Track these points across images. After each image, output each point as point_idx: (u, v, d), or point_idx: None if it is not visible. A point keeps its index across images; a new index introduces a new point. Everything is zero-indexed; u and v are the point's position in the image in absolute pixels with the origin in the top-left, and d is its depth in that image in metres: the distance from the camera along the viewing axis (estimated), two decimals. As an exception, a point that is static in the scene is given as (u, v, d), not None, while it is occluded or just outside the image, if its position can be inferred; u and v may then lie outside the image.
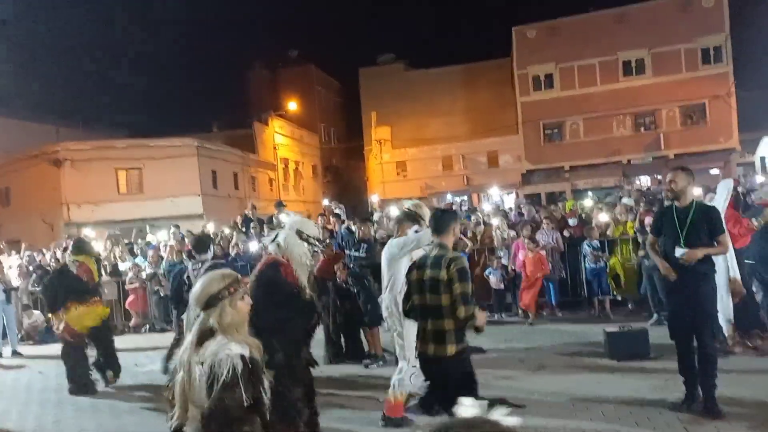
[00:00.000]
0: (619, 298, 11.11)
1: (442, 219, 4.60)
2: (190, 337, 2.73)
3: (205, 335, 2.70)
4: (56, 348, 12.18)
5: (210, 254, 7.27)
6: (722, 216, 5.93)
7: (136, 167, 28.08)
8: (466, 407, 0.89)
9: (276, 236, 4.89)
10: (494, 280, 11.11)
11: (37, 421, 7.16)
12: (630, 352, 7.44)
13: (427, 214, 5.86)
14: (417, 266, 4.51)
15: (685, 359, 5.54)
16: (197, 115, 41.26)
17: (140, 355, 10.23)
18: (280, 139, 38.28)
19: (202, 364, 2.63)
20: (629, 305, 11.02)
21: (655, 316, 9.62)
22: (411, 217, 5.90)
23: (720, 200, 6.93)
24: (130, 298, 13.54)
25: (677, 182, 5.53)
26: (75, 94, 46.61)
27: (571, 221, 12.51)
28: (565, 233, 11.94)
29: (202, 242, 7.61)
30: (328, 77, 47.33)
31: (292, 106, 39.95)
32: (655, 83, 30.89)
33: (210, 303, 2.74)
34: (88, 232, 17.32)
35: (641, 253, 9.96)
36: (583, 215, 13.24)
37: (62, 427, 6.79)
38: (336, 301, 8.64)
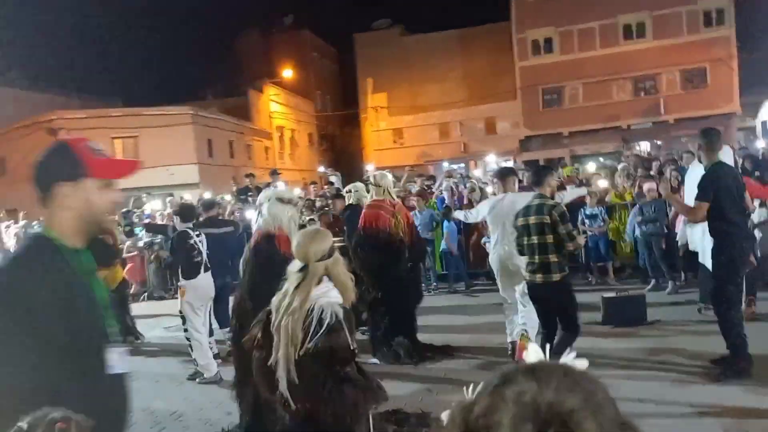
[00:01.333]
0: (618, 264, 11.09)
1: (539, 174, 5.80)
2: (293, 285, 3.03)
3: (310, 284, 3.02)
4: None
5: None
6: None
7: (131, 135, 27.91)
8: (531, 353, 0.88)
9: (259, 212, 4.88)
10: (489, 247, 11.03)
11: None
12: (626, 318, 7.42)
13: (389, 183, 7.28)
14: (521, 215, 5.58)
15: None
16: (192, 83, 40.70)
17: (140, 323, 10.22)
18: (275, 107, 37.93)
19: (307, 309, 2.95)
20: (627, 271, 11.00)
21: (653, 281, 9.61)
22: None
23: None
24: (128, 266, 13.52)
25: (699, 145, 5.66)
26: (70, 63, 46.03)
27: (570, 188, 12.40)
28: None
29: (188, 210, 7.58)
30: (323, 43, 46.68)
31: (287, 73, 39.48)
32: (655, 47, 30.45)
33: (324, 256, 3.09)
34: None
35: (638, 219, 9.91)
36: (584, 181, 13.13)
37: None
38: None
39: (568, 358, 0.86)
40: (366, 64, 38.84)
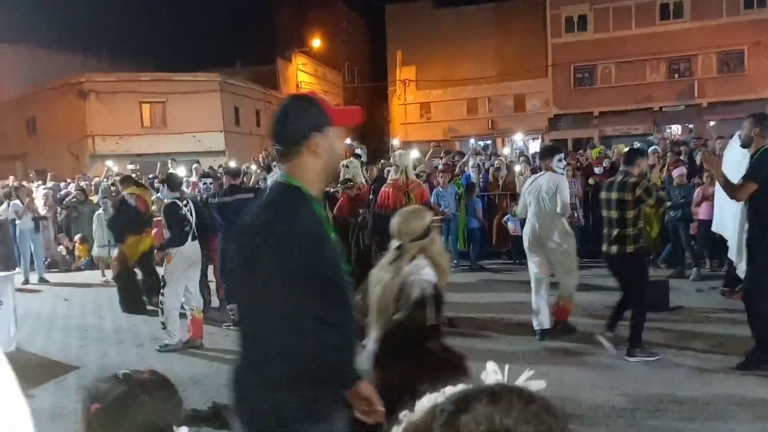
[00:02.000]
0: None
1: (631, 154, 6.21)
2: (388, 261, 3.22)
3: (401, 262, 3.18)
4: (81, 276, 12.53)
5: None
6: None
7: (159, 101, 28.09)
8: (489, 373, 0.82)
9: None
10: (512, 227, 10.99)
11: (62, 346, 7.34)
12: (649, 304, 7.35)
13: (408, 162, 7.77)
14: (604, 189, 6.09)
15: None
16: (221, 50, 40.72)
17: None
18: (303, 76, 37.84)
19: (398, 284, 3.13)
20: (651, 256, 10.87)
21: (694, 269, 9.38)
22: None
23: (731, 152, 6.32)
24: (154, 231, 13.59)
25: (743, 130, 5.41)
26: (101, 26, 46.26)
27: (597, 169, 12.25)
28: (591, 181, 11.71)
29: (173, 180, 7.61)
30: (354, 14, 46.27)
31: (317, 43, 39.29)
32: (692, 28, 29.68)
33: (422, 235, 3.22)
34: (110, 164, 17.44)
35: (668, 204, 9.74)
36: (615, 161, 12.89)
37: (85, 353, 6.97)
38: (358, 241, 8.16)
39: (523, 379, 0.79)
40: (396, 36, 38.45)
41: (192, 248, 7.16)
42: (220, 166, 15.61)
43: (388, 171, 8.96)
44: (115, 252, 9.17)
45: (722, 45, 29.47)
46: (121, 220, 8.95)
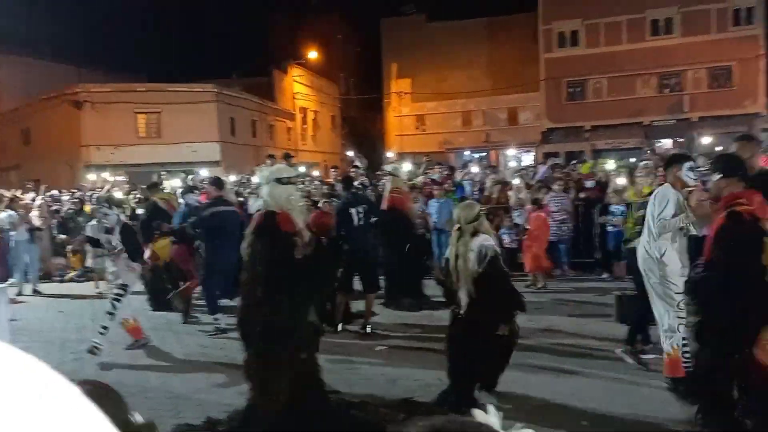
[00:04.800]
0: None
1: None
2: (458, 238, 5.02)
3: (467, 238, 4.95)
4: (74, 287, 12.57)
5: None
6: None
7: (155, 111, 28.18)
8: (482, 413, 0.94)
9: (258, 194, 4.97)
10: (506, 239, 11.15)
11: (58, 358, 7.41)
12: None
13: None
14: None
15: None
16: (217, 61, 40.85)
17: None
18: (299, 88, 38.02)
19: (473, 251, 4.88)
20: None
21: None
22: None
23: None
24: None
25: (741, 154, 5.13)
26: (96, 37, 46.32)
27: (589, 183, 12.43)
28: (582, 195, 11.89)
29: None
30: (349, 26, 46.54)
31: (313, 54, 39.49)
32: (682, 43, 30.08)
33: (476, 218, 5.06)
34: (106, 176, 17.52)
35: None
36: (602, 178, 13.09)
37: (82, 365, 7.03)
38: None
39: (481, 413, 0.91)
40: (391, 49, 38.76)
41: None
42: (202, 181, 15.58)
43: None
44: (147, 253, 9.58)
45: (711, 60, 29.87)
46: (153, 223, 9.26)
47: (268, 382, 4.41)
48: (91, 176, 18.92)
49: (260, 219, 4.69)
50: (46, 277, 13.69)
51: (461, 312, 4.96)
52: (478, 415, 0.90)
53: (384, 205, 9.00)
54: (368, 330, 7.74)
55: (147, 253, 9.59)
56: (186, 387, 6.09)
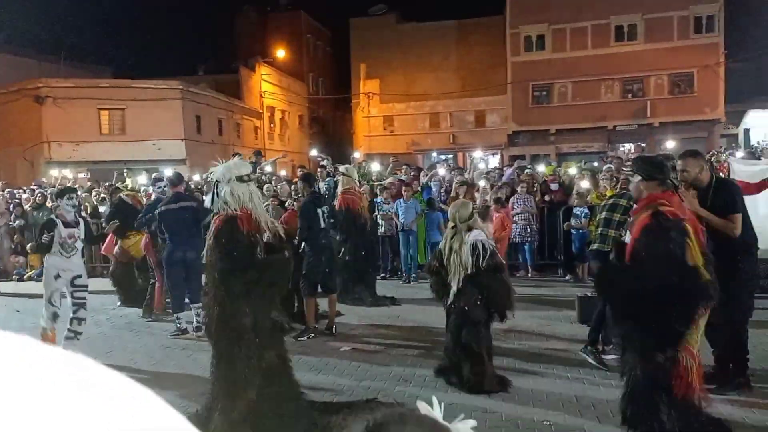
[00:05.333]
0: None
1: None
2: (452, 235, 5.55)
3: (461, 235, 5.46)
4: (33, 286, 12.28)
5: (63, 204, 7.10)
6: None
7: (119, 108, 27.70)
8: (426, 405, 0.97)
9: (215, 195, 4.74)
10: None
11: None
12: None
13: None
14: None
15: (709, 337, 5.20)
16: (183, 57, 40.55)
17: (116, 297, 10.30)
18: (267, 86, 37.77)
19: (467, 244, 5.35)
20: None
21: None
22: None
23: None
24: (107, 242, 12.96)
25: (688, 170, 5.26)
26: (60, 30, 45.38)
27: (553, 186, 12.60)
28: (546, 197, 12.05)
29: (58, 192, 7.59)
30: (318, 25, 46.44)
31: (281, 53, 39.31)
32: (645, 50, 30.71)
33: (470, 217, 5.58)
34: (67, 173, 17.17)
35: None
36: (565, 181, 13.29)
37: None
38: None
39: (425, 405, 0.95)
40: (360, 49, 38.74)
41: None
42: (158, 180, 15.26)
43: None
44: (116, 249, 9.74)
45: (673, 67, 30.55)
46: (121, 218, 9.14)
47: (233, 383, 4.38)
48: (54, 172, 18.49)
49: (220, 224, 4.55)
50: (4, 275, 13.38)
51: (450, 302, 5.51)
52: (422, 407, 0.93)
53: (336, 205, 9.16)
54: (334, 331, 7.73)
55: (116, 250, 9.79)
56: (146, 387, 6.00)
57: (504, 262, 5.81)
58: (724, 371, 5.33)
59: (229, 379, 4.41)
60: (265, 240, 4.74)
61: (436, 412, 0.93)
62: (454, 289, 5.43)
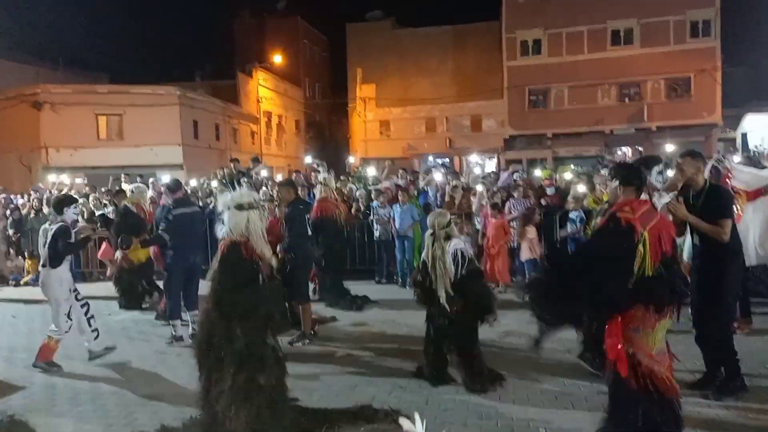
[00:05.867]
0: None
1: None
2: (432, 243, 5.74)
3: (441, 242, 5.69)
4: (29, 292, 12.25)
5: (69, 214, 7.08)
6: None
7: (116, 113, 27.72)
8: (408, 422, 0.99)
9: (221, 220, 4.90)
10: (467, 246, 11.17)
11: (7, 364, 7.22)
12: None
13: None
14: None
15: (699, 336, 5.40)
16: (180, 63, 40.56)
17: (113, 303, 10.27)
18: (263, 91, 37.81)
19: (449, 253, 5.61)
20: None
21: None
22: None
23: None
24: (103, 247, 12.34)
25: (685, 169, 5.32)
26: (57, 36, 45.41)
27: (549, 190, 12.61)
28: (543, 202, 12.04)
29: (60, 202, 7.35)
30: (314, 31, 46.53)
31: (277, 59, 39.34)
32: (642, 54, 30.78)
33: (448, 224, 5.79)
34: (64, 178, 17.16)
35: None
36: (561, 185, 13.30)
37: (32, 372, 6.86)
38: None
39: (408, 422, 0.96)
40: (357, 54, 38.82)
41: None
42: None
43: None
44: (119, 255, 10.02)
45: (670, 71, 30.65)
46: (122, 227, 9.37)
47: (224, 408, 4.41)
48: (51, 177, 18.50)
49: (225, 249, 4.66)
50: (1, 280, 13.34)
51: (441, 308, 5.69)
52: (405, 423, 0.93)
53: (312, 213, 9.04)
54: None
55: (117, 255, 10.07)
56: (140, 393, 5.98)
57: (509, 266, 6.64)
58: (716, 376, 5.33)
59: (220, 402, 4.45)
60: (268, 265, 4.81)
61: (419, 428, 0.93)
62: (442, 295, 5.63)
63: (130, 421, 5.29)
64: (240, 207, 4.69)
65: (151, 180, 15.71)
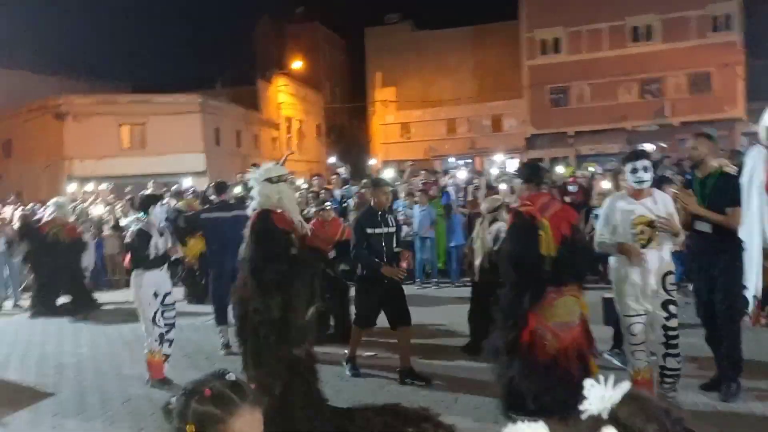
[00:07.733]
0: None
1: None
2: (480, 222, 7.03)
3: (485, 223, 6.87)
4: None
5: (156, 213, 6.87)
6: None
7: (139, 122, 28.00)
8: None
9: (250, 198, 4.97)
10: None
11: (37, 373, 7.30)
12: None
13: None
14: None
15: (710, 337, 5.29)
16: (201, 71, 40.87)
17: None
18: (284, 97, 37.98)
19: (491, 233, 6.69)
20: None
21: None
22: None
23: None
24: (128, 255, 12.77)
25: (698, 149, 5.20)
26: (79, 47, 46.15)
27: (571, 188, 12.50)
28: (566, 199, 11.93)
29: (146, 201, 7.16)
30: (334, 35, 46.69)
31: (297, 64, 39.51)
32: (663, 50, 30.45)
33: (496, 209, 6.90)
34: (89, 187, 17.39)
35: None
36: (584, 183, 13.19)
37: (61, 379, 6.94)
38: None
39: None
40: (376, 57, 38.88)
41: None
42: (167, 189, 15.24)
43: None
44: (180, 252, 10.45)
45: (691, 66, 30.25)
46: (180, 228, 9.84)
47: (261, 378, 4.39)
48: (70, 188, 18.71)
49: (255, 218, 4.74)
50: (28, 290, 13.48)
51: (476, 278, 6.97)
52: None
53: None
54: None
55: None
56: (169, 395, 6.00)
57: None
58: (728, 377, 5.18)
59: (257, 374, 4.43)
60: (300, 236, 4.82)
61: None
62: (476, 264, 6.91)
63: (160, 424, 5.30)
64: (270, 180, 4.79)
65: (174, 186, 15.85)
